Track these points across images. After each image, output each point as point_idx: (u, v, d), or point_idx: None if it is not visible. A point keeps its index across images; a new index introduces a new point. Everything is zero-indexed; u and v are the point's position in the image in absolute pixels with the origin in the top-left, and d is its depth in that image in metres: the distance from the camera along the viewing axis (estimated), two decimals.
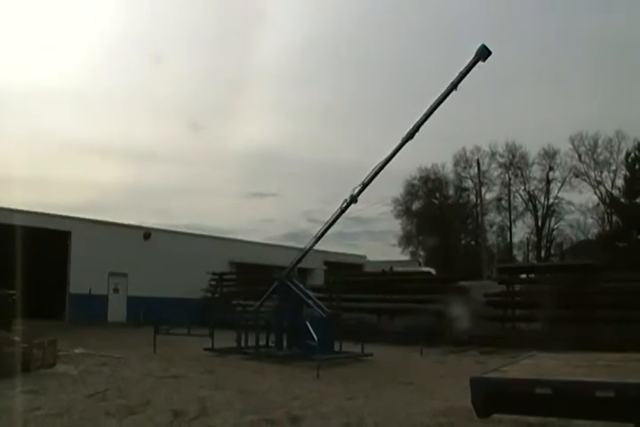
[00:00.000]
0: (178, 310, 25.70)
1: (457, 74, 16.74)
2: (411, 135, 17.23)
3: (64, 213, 29.18)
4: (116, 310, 29.45)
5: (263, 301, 18.53)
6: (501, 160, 57.86)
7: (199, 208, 71.44)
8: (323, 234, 18.16)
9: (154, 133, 76.06)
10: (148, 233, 31.72)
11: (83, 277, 27.91)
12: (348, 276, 27.26)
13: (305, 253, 17.91)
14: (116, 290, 30.06)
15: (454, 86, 16.93)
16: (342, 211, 17.19)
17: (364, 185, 16.94)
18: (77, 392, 10.01)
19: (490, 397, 6.03)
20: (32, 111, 65.61)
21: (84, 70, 71.02)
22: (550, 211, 56.83)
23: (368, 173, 17.19)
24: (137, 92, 76.85)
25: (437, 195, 60.63)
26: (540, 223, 56.91)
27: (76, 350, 16.05)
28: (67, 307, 28.35)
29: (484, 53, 16.50)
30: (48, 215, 28.10)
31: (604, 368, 6.72)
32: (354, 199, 16.95)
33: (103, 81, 71.81)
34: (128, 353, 16.21)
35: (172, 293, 29.71)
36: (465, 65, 16.76)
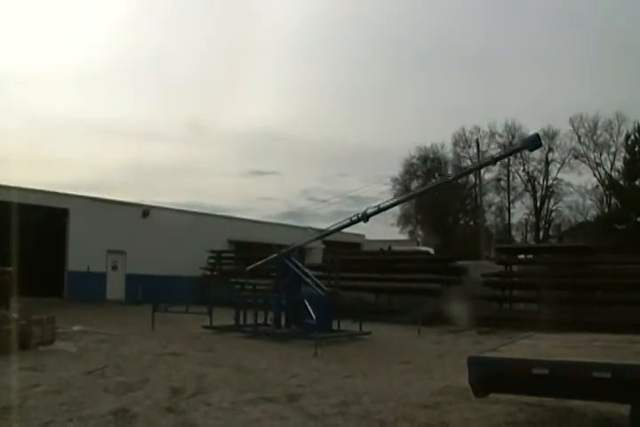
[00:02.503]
0: (176, 287, 25.77)
1: (499, 148, 17.04)
2: (446, 182, 17.64)
3: (62, 191, 29.09)
4: (115, 288, 29.48)
5: (257, 266, 18.75)
6: (501, 140, 57.69)
7: (198, 186, 71.36)
8: (325, 235, 18.57)
9: (153, 112, 75.77)
10: (146, 211, 31.66)
11: (81, 255, 27.90)
12: (346, 255, 27.24)
13: (305, 243, 18.41)
14: (114, 268, 30.08)
15: (495, 161, 17.25)
16: (350, 224, 17.46)
17: (380, 209, 17.12)
18: (76, 369, 10.06)
19: (487, 376, 6.04)
20: (32, 90, 65.38)
21: (84, 49, 70.49)
22: (549, 192, 56.78)
23: (388, 200, 17.91)
24: (136, 71, 76.40)
25: (436, 174, 60.46)
26: (538, 204, 56.88)
27: (75, 328, 16.10)
28: (65, 284, 28.37)
29: (533, 144, 16.02)
30: (46, 193, 28.00)
31: (601, 349, 6.73)
32: (365, 218, 16.97)
33: (103, 60, 71.30)
34: (126, 331, 16.27)
35: (170, 270, 29.73)
36: (511, 147, 16.86)
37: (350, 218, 17.14)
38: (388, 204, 17.47)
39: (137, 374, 9.79)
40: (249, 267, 19.18)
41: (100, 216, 28.77)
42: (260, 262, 18.97)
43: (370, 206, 17.06)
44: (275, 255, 17.87)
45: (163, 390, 8.47)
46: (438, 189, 18.76)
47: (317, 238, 19.67)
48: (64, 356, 11.57)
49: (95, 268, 28.35)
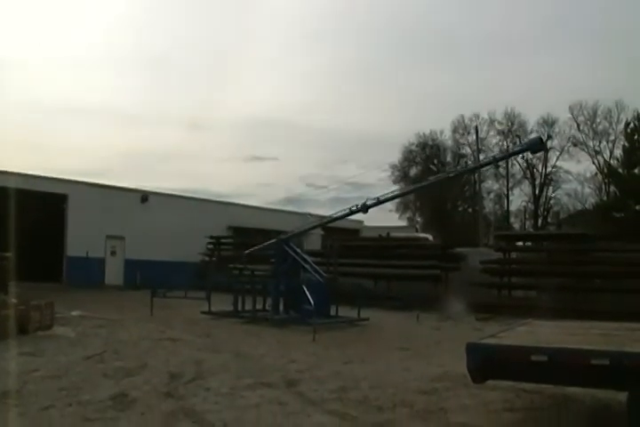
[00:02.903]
0: (175, 273, 25.80)
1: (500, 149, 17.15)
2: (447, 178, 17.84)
3: (61, 176, 29.00)
4: (114, 273, 29.53)
5: (255, 251, 18.82)
6: (500, 127, 57.50)
7: (197, 172, 71.26)
8: (324, 224, 18.65)
9: (153, 97, 75.55)
10: (145, 196, 31.62)
11: (80, 240, 27.90)
12: (345, 241, 27.25)
13: (304, 231, 18.52)
14: (113, 253, 30.10)
15: (496, 162, 17.30)
16: (349, 213, 17.50)
17: (379, 202, 17.14)
18: (75, 354, 10.08)
19: (485, 363, 6.04)
20: (30, 76, 65.10)
21: (83, 33, 70.08)
22: (548, 179, 56.64)
23: (387, 193, 17.82)
24: (136, 55, 76.06)
25: (435, 161, 60.36)
26: (537, 192, 56.77)
27: (74, 313, 16.13)
28: (64, 270, 28.40)
29: (536, 147, 16.21)
30: (45, 178, 27.92)
31: (599, 337, 6.73)
32: (365, 209, 17.03)
33: (100, 44, 70.95)
34: (125, 316, 16.31)
35: (169, 256, 29.77)
36: (513, 148, 16.96)
37: (350, 208, 17.16)
38: (387, 196, 17.51)
39: (136, 359, 9.82)
40: (247, 251, 19.24)
41: (99, 202, 28.76)
42: (257, 247, 19.04)
43: (369, 198, 17.10)
44: (273, 241, 17.90)
45: (161, 376, 8.49)
46: (439, 185, 19.03)
47: (316, 227, 19.73)
48: (63, 341, 11.59)
49: (94, 253, 28.34)
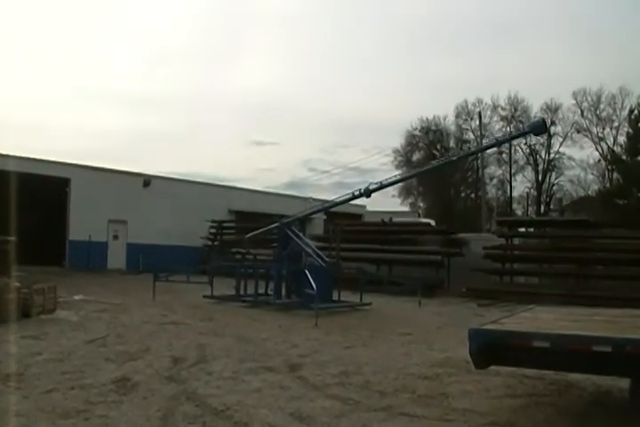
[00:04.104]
0: (177, 257, 25.86)
1: (502, 132, 17.20)
2: (450, 162, 17.87)
3: (63, 160, 28.96)
4: (116, 257, 29.56)
5: (256, 235, 18.87)
6: (503, 113, 57.35)
7: (199, 156, 71.19)
8: (327, 208, 18.63)
9: (155, 81, 75.28)
10: (147, 180, 31.58)
11: (82, 224, 27.89)
12: (347, 226, 27.23)
13: (306, 215, 18.55)
14: (115, 237, 30.12)
15: (499, 145, 17.19)
16: (352, 198, 17.59)
17: (382, 186, 17.17)
18: (77, 338, 10.11)
19: (488, 349, 6.04)
20: (33, 56, 64.88)
21: (84, 15, 69.72)
22: (551, 166, 56.51)
23: (390, 177, 17.74)
24: (139, 38, 75.71)
25: (438, 146, 60.18)
26: (540, 178, 56.67)
27: (76, 297, 16.17)
28: (66, 254, 28.44)
29: (539, 130, 16.37)
30: (47, 162, 27.85)
31: (601, 323, 6.72)
32: (368, 193, 17.06)
33: (105, 27, 70.63)
34: (128, 300, 16.35)
35: (171, 240, 29.83)
36: (516, 131, 16.90)
37: (352, 193, 17.15)
38: (390, 181, 17.49)
39: (138, 343, 9.84)
40: (248, 235, 19.26)
41: (102, 186, 28.73)
42: (259, 231, 19.06)
43: (372, 182, 17.06)
44: (275, 224, 17.90)
45: (164, 360, 8.51)
46: (440, 169, 19.18)
47: (318, 211, 19.74)
48: (65, 325, 11.61)
49: (96, 237, 28.35)
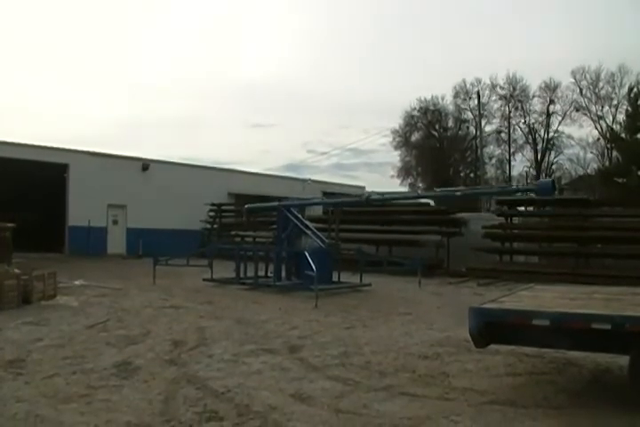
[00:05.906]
0: (177, 241, 25.86)
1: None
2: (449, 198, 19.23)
3: (61, 146, 28.83)
4: (116, 242, 29.55)
5: (256, 207, 19.19)
6: (502, 92, 57.03)
7: (198, 139, 71.00)
8: (328, 204, 18.93)
9: (154, 64, 74.89)
10: (146, 164, 31.49)
11: (81, 210, 27.84)
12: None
13: (308, 204, 19.48)
14: (115, 222, 30.09)
15: (506, 194, 17.88)
16: (352, 202, 18.83)
17: (384, 199, 17.96)
18: (78, 323, 10.13)
19: (487, 327, 6.06)
20: (34, 41, 64.51)
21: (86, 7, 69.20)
22: (550, 144, 56.31)
23: (394, 193, 18.87)
24: (137, 23, 75.18)
25: (437, 126, 59.98)
26: (539, 157, 56.48)
27: (76, 282, 16.19)
28: (66, 239, 28.44)
29: (545, 191, 14.68)
30: (46, 148, 27.71)
31: (601, 301, 6.73)
32: (368, 202, 17.65)
33: (102, 10, 70.09)
34: (128, 284, 16.36)
35: (171, 224, 29.83)
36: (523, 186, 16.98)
37: (354, 197, 17.64)
38: (391, 196, 18.20)
39: (138, 327, 9.86)
40: (247, 205, 19.41)
41: (100, 171, 28.64)
42: (259, 205, 19.28)
43: (374, 192, 17.52)
44: (275, 203, 18.01)
45: (164, 343, 8.53)
46: (441, 199, 20.47)
47: (318, 204, 20.10)
48: (66, 310, 11.63)
49: (96, 222, 28.32)
